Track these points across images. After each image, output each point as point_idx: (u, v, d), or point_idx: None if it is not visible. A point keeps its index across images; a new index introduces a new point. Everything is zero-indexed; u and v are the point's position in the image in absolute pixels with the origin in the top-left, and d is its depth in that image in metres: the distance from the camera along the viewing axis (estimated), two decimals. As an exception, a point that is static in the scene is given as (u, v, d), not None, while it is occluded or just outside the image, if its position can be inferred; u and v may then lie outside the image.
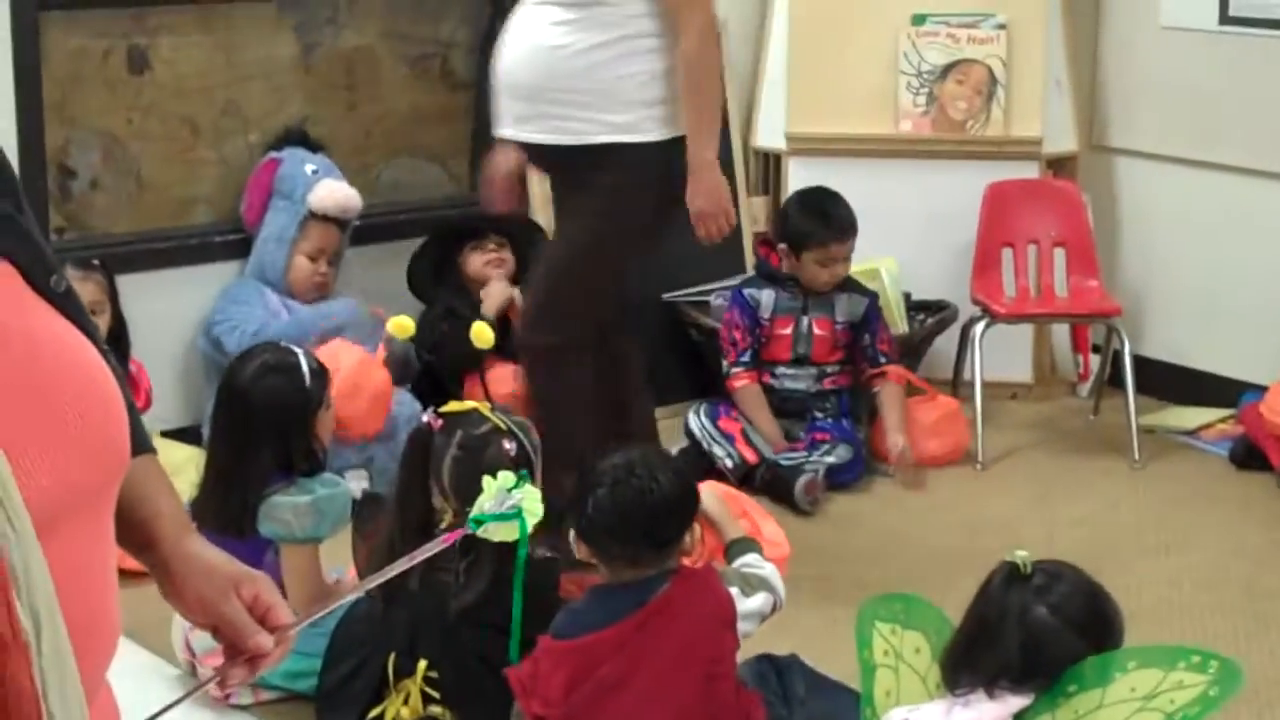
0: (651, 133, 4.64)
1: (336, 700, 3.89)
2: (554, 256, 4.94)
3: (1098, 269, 6.28)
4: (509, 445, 3.81)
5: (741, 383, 5.73)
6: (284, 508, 4.09)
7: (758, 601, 3.71)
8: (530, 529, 2.96)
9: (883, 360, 5.76)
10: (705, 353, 5.97)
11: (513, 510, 2.93)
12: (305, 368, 4.28)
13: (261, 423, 4.17)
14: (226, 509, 4.12)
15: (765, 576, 3.78)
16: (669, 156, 4.65)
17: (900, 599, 3.31)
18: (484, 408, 3.92)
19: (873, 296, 5.84)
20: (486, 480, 2.90)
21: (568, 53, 4.60)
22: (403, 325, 5.46)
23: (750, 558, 3.84)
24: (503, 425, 3.86)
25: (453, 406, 3.91)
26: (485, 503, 2.93)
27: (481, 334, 5.52)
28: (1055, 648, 2.98)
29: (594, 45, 4.59)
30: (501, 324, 5.58)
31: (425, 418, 3.89)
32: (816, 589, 4.80)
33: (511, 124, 4.79)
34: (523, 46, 4.71)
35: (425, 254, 5.84)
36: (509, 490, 2.94)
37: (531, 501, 3.01)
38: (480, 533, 2.75)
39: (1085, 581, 3.12)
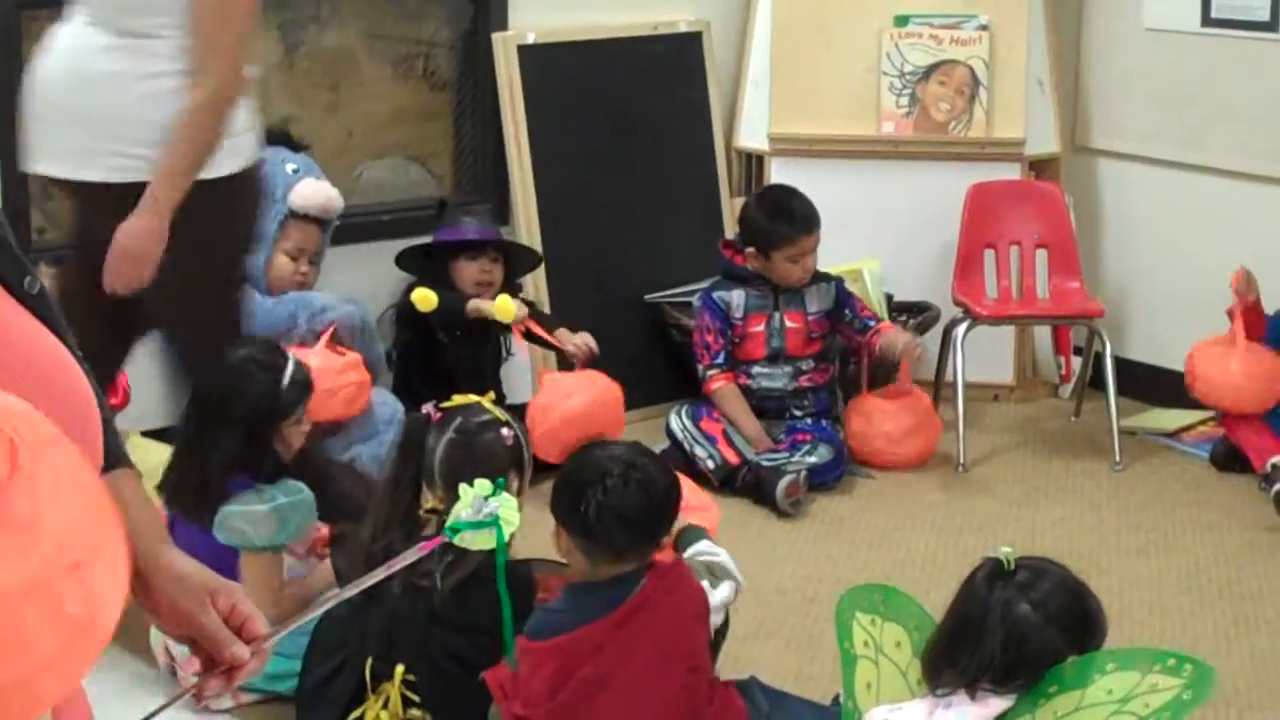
0: (212, 170, 4.20)
1: (316, 702, 3.88)
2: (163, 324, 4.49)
3: (1080, 270, 6.28)
4: (506, 433, 3.82)
5: (718, 384, 5.73)
6: (237, 517, 4.08)
7: (724, 591, 3.74)
8: (508, 537, 2.96)
9: (871, 323, 5.78)
10: (687, 354, 5.97)
11: (489, 519, 2.93)
12: (288, 373, 4.29)
13: (228, 411, 4.21)
14: (184, 488, 4.14)
15: (724, 564, 3.80)
16: (236, 190, 4.30)
17: (879, 589, 3.31)
18: (486, 401, 3.93)
19: (839, 280, 5.85)
20: (463, 488, 2.90)
21: (121, 83, 4.15)
22: (426, 297, 5.49)
23: (703, 545, 3.85)
24: (502, 418, 3.87)
25: (455, 400, 3.92)
26: (462, 511, 2.92)
27: (505, 306, 5.53)
28: (1037, 645, 2.97)
29: (148, 76, 4.15)
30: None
31: (426, 409, 3.89)
32: (799, 590, 4.81)
33: (50, 159, 4.30)
34: (69, 73, 4.22)
35: (417, 251, 5.83)
36: (485, 498, 2.94)
37: (508, 509, 3.01)
38: (457, 541, 2.75)
39: (1069, 579, 3.12)
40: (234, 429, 4.20)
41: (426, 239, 5.83)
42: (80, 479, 1.27)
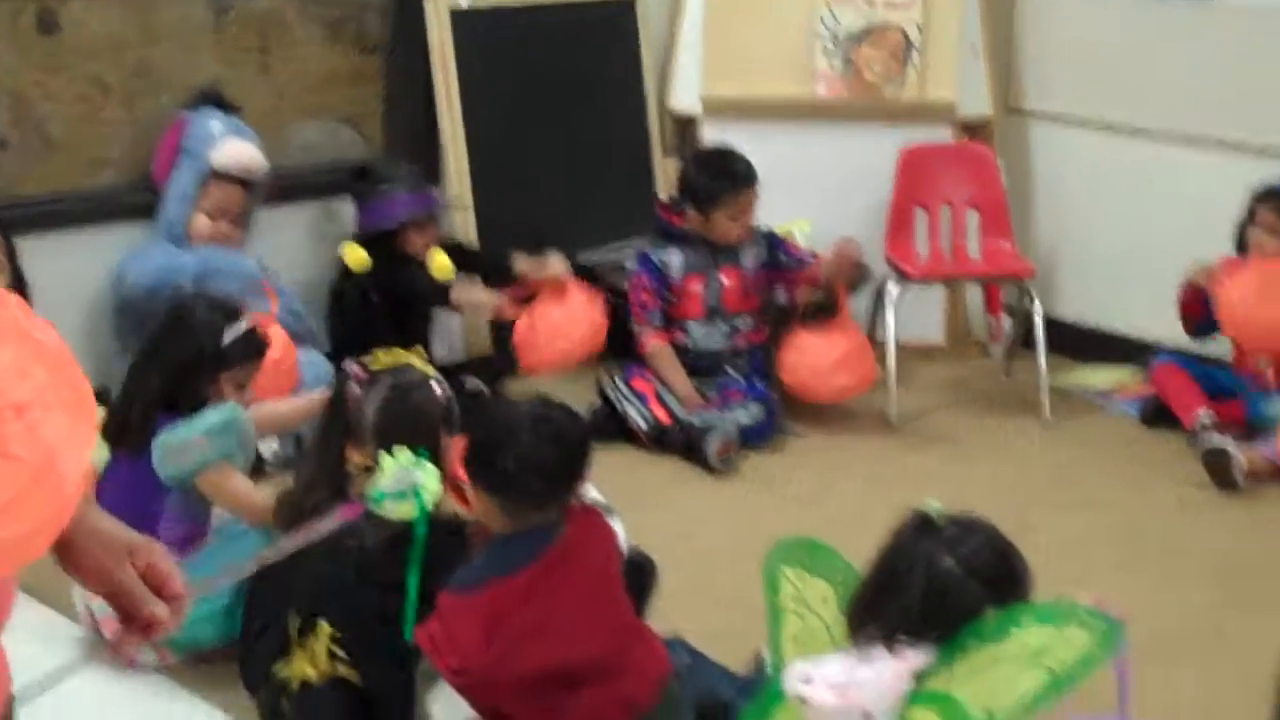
0: None
1: (248, 659, 3.88)
2: None
3: (1011, 231, 6.31)
4: (439, 390, 3.82)
5: (653, 343, 5.74)
6: (161, 447, 4.11)
7: (620, 527, 3.75)
8: (430, 505, 2.95)
9: (810, 260, 5.82)
10: (619, 313, 5.97)
11: (411, 489, 2.92)
12: (234, 330, 4.28)
13: (161, 353, 4.27)
14: (112, 419, 4.20)
15: (599, 499, 3.81)
16: None
17: (806, 544, 3.32)
18: (416, 358, 3.92)
19: (768, 232, 5.88)
20: (384, 458, 2.90)
21: None
22: (358, 256, 5.49)
23: None
24: (433, 375, 3.87)
25: (381, 357, 3.90)
26: (384, 481, 2.91)
27: (441, 263, 5.55)
28: (958, 598, 2.97)
29: None
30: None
31: (350, 367, 3.88)
32: (729, 547, 4.82)
33: None
34: None
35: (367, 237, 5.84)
36: (407, 468, 2.93)
37: (430, 478, 3.01)
38: (379, 511, 2.74)
39: (996, 535, 3.12)
40: (164, 371, 4.23)
41: (354, 199, 5.85)
42: (21, 330, 1.26)
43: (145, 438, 4.14)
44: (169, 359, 4.25)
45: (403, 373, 3.86)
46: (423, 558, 3.37)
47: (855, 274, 5.86)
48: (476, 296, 5.69)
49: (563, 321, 5.61)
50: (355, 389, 3.84)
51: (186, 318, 4.31)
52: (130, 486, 4.13)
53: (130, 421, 4.18)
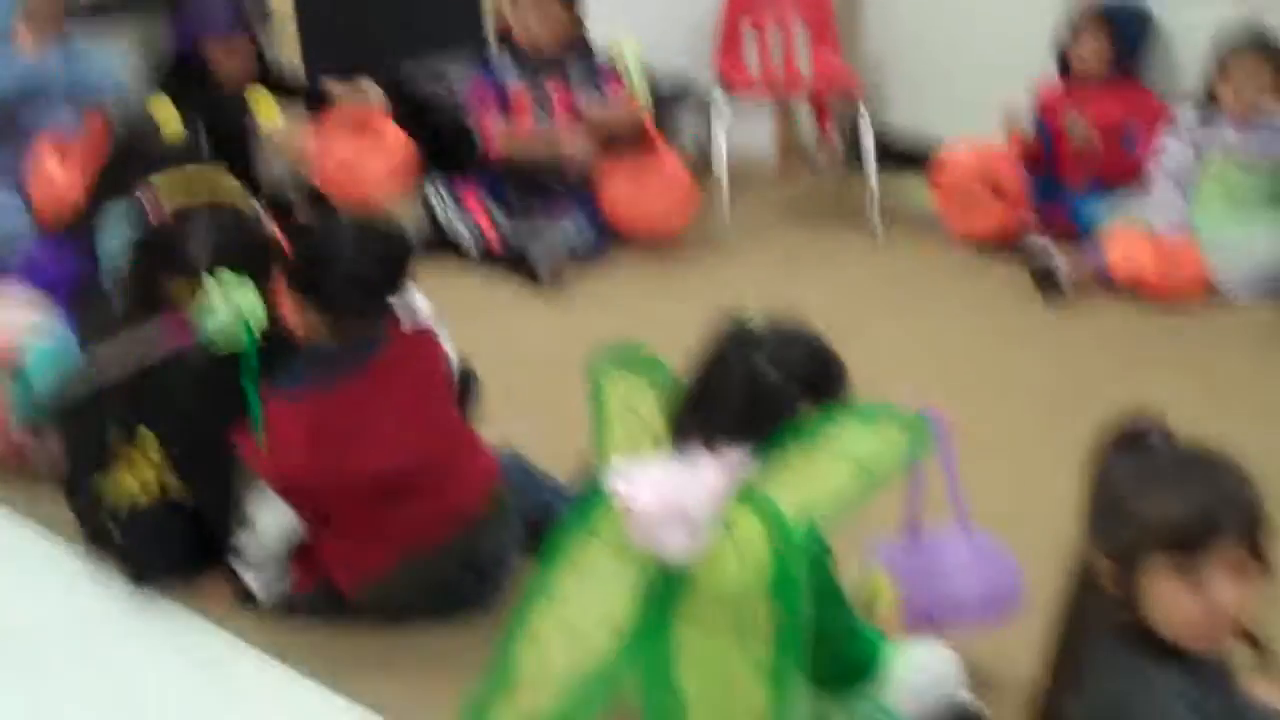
0: None
1: (72, 472, 3.84)
2: None
3: (839, 45, 6.31)
4: (256, 208, 3.77)
5: (501, 133, 5.73)
6: (111, 217, 4.17)
7: (447, 336, 3.75)
8: (256, 331, 2.92)
9: (610, 99, 5.83)
10: (444, 126, 5.93)
11: (240, 320, 2.89)
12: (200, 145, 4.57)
13: (124, 160, 4.40)
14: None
15: (429, 310, 3.81)
16: None
17: (631, 350, 3.32)
18: (219, 180, 3.85)
19: (600, 62, 5.87)
20: (210, 284, 2.86)
21: None
22: (167, 113, 5.39)
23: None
24: (241, 193, 3.82)
25: (169, 186, 3.81)
26: (213, 319, 2.88)
27: (269, 111, 5.47)
28: (776, 401, 3.00)
29: None
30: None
31: (141, 197, 3.80)
32: (557, 367, 4.81)
33: None
34: None
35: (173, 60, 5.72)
36: (230, 287, 2.90)
37: (250, 302, 2.98)
38: (210, 347, 2.70)
39: (812, 339, 3.14)
40: (130, 175, 4.21)
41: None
42: None
43: (92, 224, 4.26)
44: (135, 166, 4.21)
45: (219, 202, 3.78)
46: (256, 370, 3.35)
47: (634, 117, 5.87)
48: (289, 140, 5.59)
49: (360, 163, 5.54)
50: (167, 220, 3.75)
51: (140, 134, 4.58)
52: (60, 256, 4.41)
53: (87, 215, 4.34)
